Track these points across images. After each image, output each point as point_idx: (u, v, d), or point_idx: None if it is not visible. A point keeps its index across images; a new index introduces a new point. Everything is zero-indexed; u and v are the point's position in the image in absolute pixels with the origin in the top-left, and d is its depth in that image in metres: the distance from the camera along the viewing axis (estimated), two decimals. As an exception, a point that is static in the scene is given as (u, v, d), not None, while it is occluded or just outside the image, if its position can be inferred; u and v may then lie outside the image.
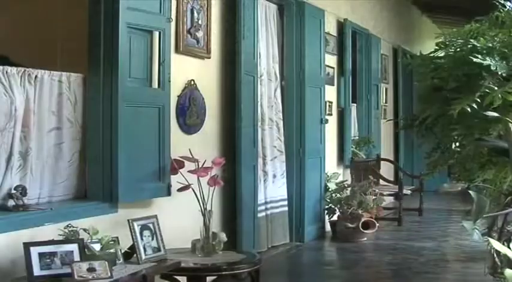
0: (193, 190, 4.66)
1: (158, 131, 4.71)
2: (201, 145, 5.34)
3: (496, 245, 3.13)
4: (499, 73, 3.04)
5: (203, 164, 4.80)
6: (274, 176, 7.00)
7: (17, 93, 3.91)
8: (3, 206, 3.83)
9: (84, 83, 4.42)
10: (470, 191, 3.34)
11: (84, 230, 3.70)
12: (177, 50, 5.11)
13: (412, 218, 9.41)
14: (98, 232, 3.71)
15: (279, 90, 7.17)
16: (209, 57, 5.59)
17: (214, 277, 4.54)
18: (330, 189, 7.92)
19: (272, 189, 6.95)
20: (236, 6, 5.86)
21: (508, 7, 3.35)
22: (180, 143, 5.02)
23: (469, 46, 3.17)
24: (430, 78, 3.39)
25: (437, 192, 10.26)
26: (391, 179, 10.39)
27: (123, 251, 3.97)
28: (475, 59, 3.02)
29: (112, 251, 3.74)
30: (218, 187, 5.03)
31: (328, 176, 8.02)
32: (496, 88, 2.97)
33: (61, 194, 4.29)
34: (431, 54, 3.47)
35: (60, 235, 3.65)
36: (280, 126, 7.16)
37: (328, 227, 8.03)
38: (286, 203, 7.19)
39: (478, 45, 3.12)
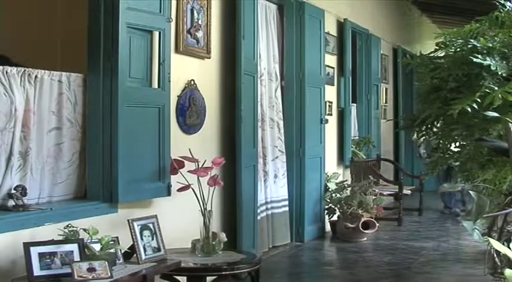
0: (193, 190, 4.66)
1: (158, 131, 4.71)
2: (201, 145, 5.34)
3: (496, 245, 3.13)
4: (499, 73, 3.04)
5: (203, 164, 4.80)
6: (276, 176, 7.00)
7: (17, 93, 3.91)
8: (3, 206, 3.83)
9: (84, 83, 4.42)
10: (470, 191, 3.34)
11: (84, 230, 3.70)
12: (177, 50, 5.11)
13: (412, 218, 9.42)
14: (98, 232, 3.71)
15: (279, 90, 7.17)
16: (209, 57, 5.59)
17: (214, 277, 4.54)
18: (330, 189, 7.92)
19: (273, 189, 6.95)
20: (236, 6, 5.86)
21: (508, 7, 3.35)
22: (180, 143, 5.02)
23: (469, 46, 3.18)
24: (430, 78, 3.39)
25: (436, 193, 10.26)
26: (391, 179, 10.39)
27: (123, 251, 3.97)
28: (475, 59, 3.03)
29: (112, 251, 3.74)
30: (218, 187, 5.03)
31: (328, 176, 8.03)
32: (496, 88, 2.97)
33: (61, 194, 4.29)
34: (431, 54, 3.47)
35: (60, 235, 3.65)
36: (281, 126, 7.16)
37: (328, 227, 8.04)
38: (287, 203, 7.20)
39: (478, 45, 3.12)
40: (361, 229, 7.51)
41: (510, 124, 3.16)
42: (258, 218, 6.33)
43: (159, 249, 4.15)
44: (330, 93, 8.41)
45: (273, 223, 6.93)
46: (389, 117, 11.10)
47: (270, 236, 6.84)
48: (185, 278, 4.39)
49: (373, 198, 7.86)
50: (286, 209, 7.17)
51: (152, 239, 4.14)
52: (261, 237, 6.45)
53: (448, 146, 3.60)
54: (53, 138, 4.23)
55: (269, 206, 6.84)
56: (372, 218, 7.70)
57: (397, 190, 9.03)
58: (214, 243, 4.58)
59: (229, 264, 4.41)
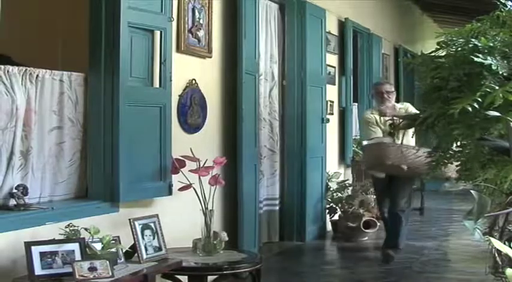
0: (195, 189, 4.66)
1: (159, 131, 4.72)
2: (202, 144, 5.34)
3: (497, 244, 3.13)
4: (500, 72, 3.03)
5: (204, 164, 4.80)
6: (263, 176, 6.98)
7: (18, 93, 3.92)
8: (4, 206, 3.83)
9: (85, 82, 4.42)
10: (471, 191, 3.33)
11: (85, 229, 3.71)
12: (178, 50, 5.11)
13: (413, 217, 9.38)
14: (99, 231, 3.71)
15: (275, 90, 7.17)
16: (210, 57, 5.59)
17: (216, 276, 4.54)
18: (331, 189, 7.92)
19: (260, 188, 6.92)
20: (237, 5, 5.86)
21: (509, 7, 3.34)
22: (181, 143, 5.03)
23: (470, 45, 3.17)
24: (431, 77, 3.39)
25: (438, 192, 10.25)
26: (392, 178, 10.36)
27: (124, 251, 3.98)
28: (476, 59, 3.02)
29: (113, 250, 3.74)
30: (219, 186, 5.03)
31: (329, 175, 8.03)
32: (497, 87, 2.97)
33: (62, 193, 4.29)
34: (432, 54, 3.47)
35: (61, 234, 3.65)
36: (275, 126, 7.16)
37: (329, 227, 8.04)
38: (276, 202, 7.20)
39: (479, 44, 3.11)
40: (362, 228, 7.51)
41: (511, 123, 3.16)
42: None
43: (160, 249, 4.16)
44: (331, 92, 8.41)
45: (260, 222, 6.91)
46: (390, 116, 11.08)
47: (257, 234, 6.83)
48: (186, 277, 4.40)
49: (374, 197, 7.86)
50: (271, 208, 7.15)
51: (153, 239, 4.14)
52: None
53: (450, 145, 3.60)
54: (54, 137, 4.23)
55: (261, 205, 6.84)
56: (373, 217, 7.70)
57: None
58: (215, 242, 4.58)
59: (230, 264, 4.41)
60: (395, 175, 6.46)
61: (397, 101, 11.62)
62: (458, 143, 3.66)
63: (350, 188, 7.95)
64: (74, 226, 3.69)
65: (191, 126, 5.30)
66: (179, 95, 5.15)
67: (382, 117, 6.61)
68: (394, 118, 6.52)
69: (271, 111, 7.10)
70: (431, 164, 3.71)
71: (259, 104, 6.68)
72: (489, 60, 3.03)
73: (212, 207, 4.66)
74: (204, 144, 5.41)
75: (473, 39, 3.18)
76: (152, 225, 4.19)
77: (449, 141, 3.61)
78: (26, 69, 4.02)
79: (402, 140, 6.42)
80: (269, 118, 7.08)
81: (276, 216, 7.24)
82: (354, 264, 6.59)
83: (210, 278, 4.49)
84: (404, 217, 6.61)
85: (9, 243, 3.63)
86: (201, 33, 5.41)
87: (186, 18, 5.22)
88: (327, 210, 7.87)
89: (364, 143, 6.81)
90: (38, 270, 3.44)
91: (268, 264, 5.87)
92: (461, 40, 3.30)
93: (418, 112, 6.29)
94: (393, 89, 6.96)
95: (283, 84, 7.39)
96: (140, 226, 4.10)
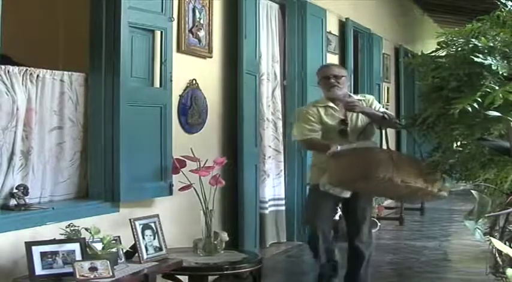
0: (195, 189, 4.66)
1: (160, 131, 4.72)
2: (202, 144, 5.34)
3: (498, 244, 3.13)
4: (500, 73, 3.03)
5: (205, 164, 4.80)
6: (268, 176, 6.98)
7: (19, 93, 3.92)
8: (5, 206, 3.84)
9: (86, 82, 4.43)
10: (472, 191, 3.34)
11: (86, 229, 3.71)
12: (178, 50, 5.11)
13: (413, 217, 9.41)
14: (100, 231, 3.71)
15: (278, 90, 7.16)
16: (211, 57, 5.60)
17: (216, 276, 4.54)
18: (332, 189, 7.90)
19: (261, 189, 6.90)
20: (238, 5, 5.87)
21: (509, 7, 3.34)
22: (181, 143, 5.03)
23: (470, 45, 3.17)
24: (431, 77, 3.39)
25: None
26: (393, 178, 10.36)
27: (124, 251, 3.98)
28: (476, 59, 3.02)
29: (114, 250, 3.74)
30: (220, 186, 5.03)
31: (330, 175, 7.99)
32: (497, 87, 2.97)
33: (63, 193, 4.30)
34: (433, 54, 3.47)
35: (62, 234, 3.65)
36: (279, 126, 7.15)
37: (329, 227, 8.02)
38: (282, 202, 7.17)
39: (479, 44, 3.12)
40: (362, 228, 7.47)
41: (511, 123, 3.16)
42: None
43: (160, 249, 4.16)
44: (332, 92, 8.39)
45: (265, 222, 6.89)
46: (391, 116, 11.07)
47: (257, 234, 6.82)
48: (187, 277, 4.40)
49: (374, 197, 7.85)
50: (278, 208, 7.13)
51: (154, 239, 4.14)
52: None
53: (450, 145, 3.61)
54: (54, 137, 4.23)
55: (262, 205, 6.82)
56: (373, 217, 7.70)
57: (399, 189, 9.00)
58: (216, 242, 4.58)
59: (230, 264, 4.41)
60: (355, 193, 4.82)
61: (398, 101, 11.73)
62: (459, 143, 3.66)
63: (350, 188, 7.91)
64: (75, 226, 3.69)
65: (192, 126, 5.31)
66: (180, 95, 5.16)
67: (331, 112, 4.91)
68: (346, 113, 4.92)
69: (274, 111, 7.09)
70: (432, 164, 3.71)
71: (263, 104, 6.69)
72: (489, 60, 3.03)
73: (213, 207, 4.66)
74: (204, 144, 5.41)
75: (473, 39, 3.18)
76: (153, 225, 4.19)
77: (450, 142, 3.61)
78: (26, 69, 4.03)
79: (387, 144, 4.66)
80: (273, 118, 7.07)
81: (282, 216, 7.21)
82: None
83: (210, 278, 4.49)
84: (370, 252, 5.24)
85: (9, 243, 3.63)
86: (201, 33, 5.41)
87: (187, 18, 5.22)
88: (328, 210, 7.85)
89: (338, 148, 4.45)
90: (39, 270, 3.44)
91: (269, 264, 5.87)
92: (461, 40, 3.30)
93: (385, 110, 5.12)
94: (344, 73, 5.10)
95: (284, 84, 7.39)
96: (141, 226, 4.10)
